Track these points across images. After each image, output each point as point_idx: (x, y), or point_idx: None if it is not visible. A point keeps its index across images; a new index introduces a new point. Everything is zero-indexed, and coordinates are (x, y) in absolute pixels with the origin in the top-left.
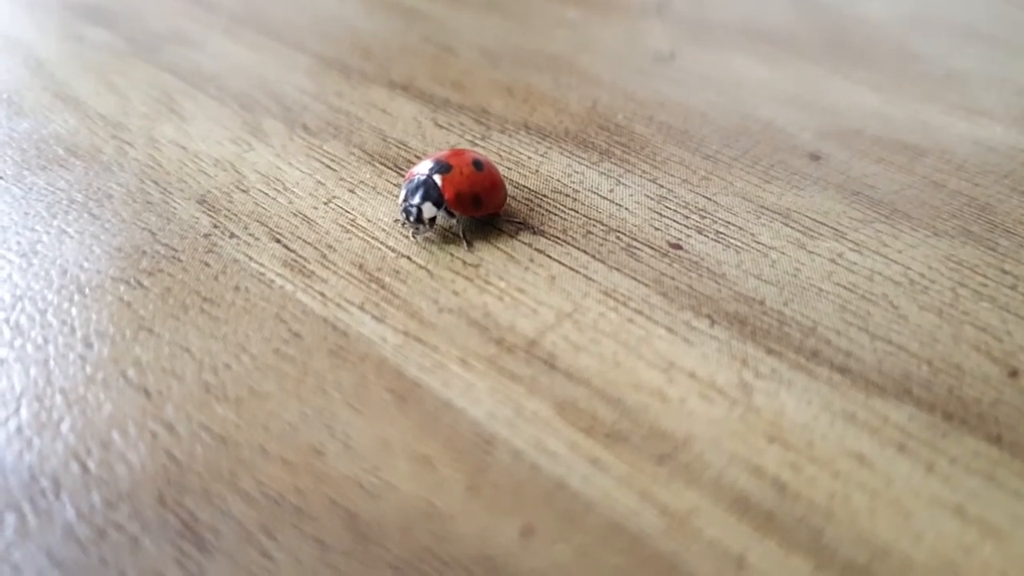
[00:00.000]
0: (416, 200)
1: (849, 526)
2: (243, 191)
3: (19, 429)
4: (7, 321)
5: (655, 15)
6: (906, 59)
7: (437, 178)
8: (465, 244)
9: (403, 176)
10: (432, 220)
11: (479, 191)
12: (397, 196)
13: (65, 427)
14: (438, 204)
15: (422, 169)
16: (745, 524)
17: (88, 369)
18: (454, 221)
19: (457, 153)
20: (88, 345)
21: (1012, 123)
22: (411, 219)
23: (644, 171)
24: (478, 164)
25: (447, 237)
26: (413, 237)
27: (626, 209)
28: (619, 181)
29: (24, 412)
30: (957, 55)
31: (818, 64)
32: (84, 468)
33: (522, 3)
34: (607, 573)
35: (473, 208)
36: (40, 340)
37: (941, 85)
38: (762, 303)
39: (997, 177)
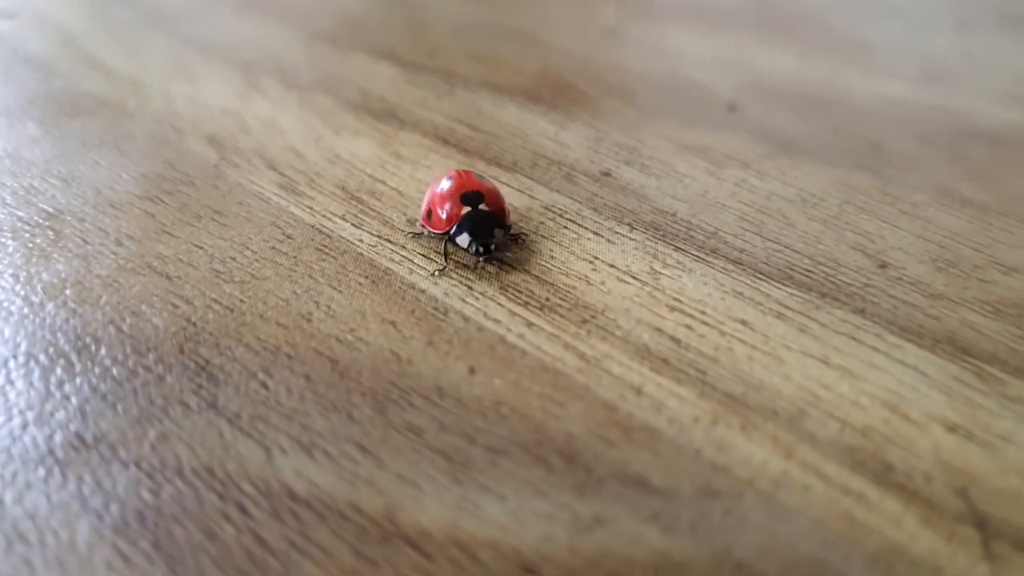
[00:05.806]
0: (485, 235)
1: (730, 368)
2: (246, 133)
3: (65, 302)
4: (52, 228)
5: None
6: (827, 31)
7: (484, 207)
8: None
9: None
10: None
11: (498, 191)
12: (442, 253)
13: (103, 301)
14: (503, 226)
15: (461, 211)
16: (645, 366)
17: (120, 261)
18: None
19: (461, 180)
20: (120, 244)
21: (915, 83)
22: (491, 250)
23: (585, 120)
24: (480, 176)
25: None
26: (489, 261)
27: (567, 147)
28: (563, 127)
29: (69, 291)
30: (873, 28)
31: (749, 34)
32: (119, 329)
33: None
34: (534, 399)
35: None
36: (80, 241)
37: (856, 52)
38: (674, 215)
39: (895, 124)
